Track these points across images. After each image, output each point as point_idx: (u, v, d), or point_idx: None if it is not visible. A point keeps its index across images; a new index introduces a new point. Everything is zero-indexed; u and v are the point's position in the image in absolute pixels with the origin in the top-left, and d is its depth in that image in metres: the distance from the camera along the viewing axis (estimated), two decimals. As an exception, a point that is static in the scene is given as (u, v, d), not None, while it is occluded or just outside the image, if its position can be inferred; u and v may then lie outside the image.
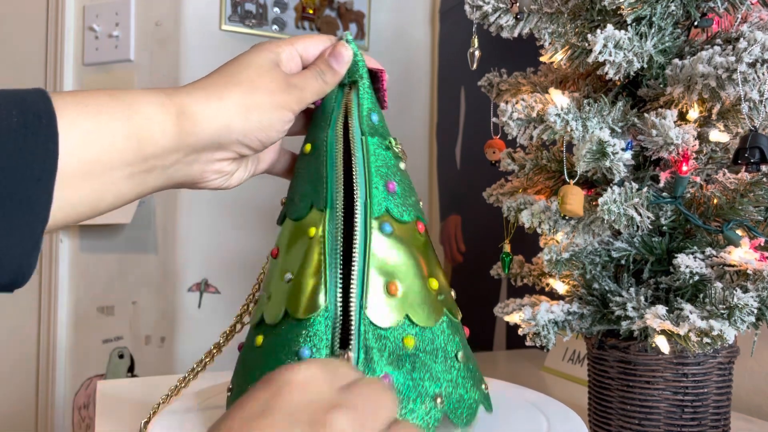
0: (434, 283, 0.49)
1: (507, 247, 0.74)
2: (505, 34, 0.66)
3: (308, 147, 0.52)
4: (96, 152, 0.38)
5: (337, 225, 0.45)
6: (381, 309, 0.44)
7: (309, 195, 0.49)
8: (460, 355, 0.48)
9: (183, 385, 0.54)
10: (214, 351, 0.54)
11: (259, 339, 0.45)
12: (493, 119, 0.74)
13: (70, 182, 0.37)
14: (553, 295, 0.70)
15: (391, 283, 0.45)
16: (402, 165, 0.51)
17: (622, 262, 0.64)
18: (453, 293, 0.54)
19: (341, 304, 0.42)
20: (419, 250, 0.49)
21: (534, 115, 0.61)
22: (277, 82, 0.46)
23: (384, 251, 0.46)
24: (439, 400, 0.44)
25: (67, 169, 0.37)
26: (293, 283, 0.45)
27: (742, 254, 0.57)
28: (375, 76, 0.52)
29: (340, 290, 0.43)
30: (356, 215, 0.45)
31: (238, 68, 0.46)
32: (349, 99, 0.50)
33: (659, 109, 0.59)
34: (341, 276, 0.44)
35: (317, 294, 0.42)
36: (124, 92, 0.42)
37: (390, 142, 0.50)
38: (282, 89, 0.46)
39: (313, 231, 0.45)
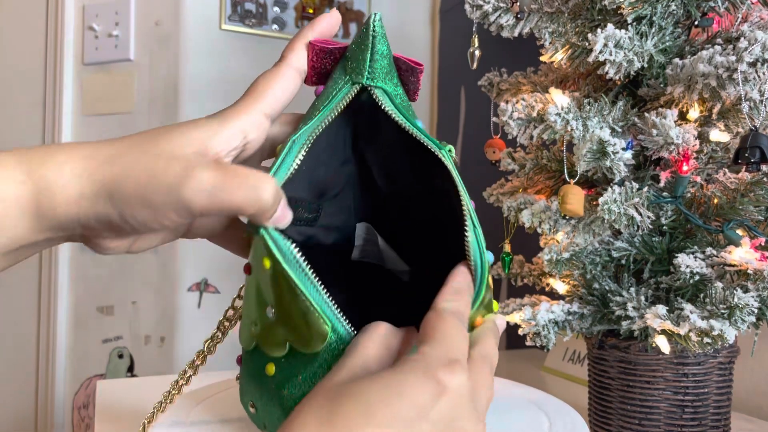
0: (497, 305, 0.43)
1: (507, 247, 0.74)
2: (505, 34, 0.66)
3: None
4: None
5: (289, 246, 0.34)
6: None
7: None
8: None
9: (169, 400, 0.49)
10: (198, 363, 0.47)
11: (270, 368, 0.37)
12: (494, 119, 0.74)
13: None
14: (554, 295, 0.70)
15: None
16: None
17: (623, 261, 0.64)
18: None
19: (348, 321, 0.34)
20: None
21: (534, 114, 0.61)
22: (185, 166, 0.31)
23: (488, 285, 0.38)
24: None
25: None
26: (279, 319, 0.36)
27: (742, 254, 0.57)
28: (409, 69, 0.40)
29: (336, 306, 0.34)
30: (469, 252, 0.36)
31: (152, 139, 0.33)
32: (385, 107, 0.37)
33: (660, 109, 0.59)
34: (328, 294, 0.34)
35: (315, 325, 0.34)
36: None
37: (450, 150, 0.40)
38: (178, 183, 0.31)
39: (267, 263, 0.35)
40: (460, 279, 0.36)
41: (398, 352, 0.34)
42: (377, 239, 0.46)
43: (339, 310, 0.34)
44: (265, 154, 0.41)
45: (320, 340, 0.34)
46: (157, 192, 0.31)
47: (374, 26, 0.37)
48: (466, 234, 0.36)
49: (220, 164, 0.32)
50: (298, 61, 0.38)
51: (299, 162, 0.35)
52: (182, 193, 0.31)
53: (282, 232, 0.36)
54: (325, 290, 0.34)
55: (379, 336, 0.34)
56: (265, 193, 0.32)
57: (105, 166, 0.32)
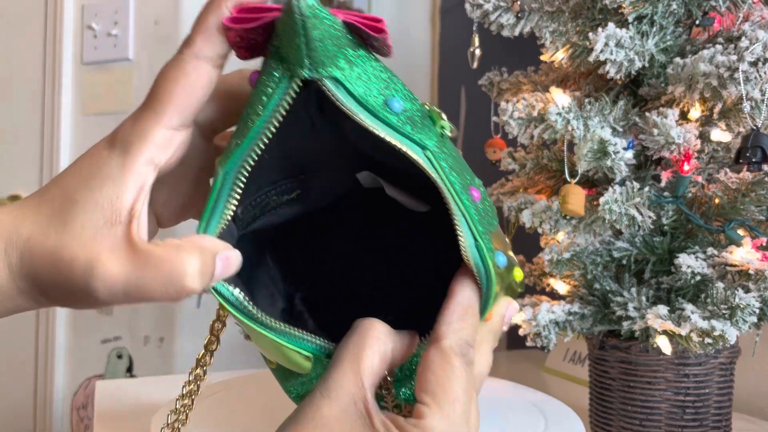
0: (519, 274, 0.36)
1: (507, 247, 0.74)
2: (505, 33, 0.65)
3: None
4: None
5: (241, 300, 0.31)
6: None
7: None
8: None
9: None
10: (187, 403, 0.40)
11: (271, 362, 0.36)
12: (494, 118, 0.73)
13: None
14: (554, 295, 0.70)
15: None
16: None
17: (624, 262, 0.64)
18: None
19: (326, 339, 0.32)
20: (506, 246, 0.36)
21: (535, 114, 0.60)
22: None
23: (501, 288, 0.33)
24: None
25: None
26: (259, 348, 0.34)
27: (743, 254, 0.56)
28: (368, 37, 0.29)
29: (298, 331, 0.32)
30: (471, 265, 0.31)
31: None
32: (343, 105, 0.29)
33: (661, 108, 0.59)
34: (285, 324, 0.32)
35: (292, 356, 0.32)
36: None
37: (442, 126, 0.31)
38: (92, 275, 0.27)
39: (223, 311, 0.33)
40: (465, 292, 0.31)
41: (392, 361, 0.30)
42: (384, 185, 0.40)
43: (305, 332, 0.31)
44: (209, 142, 0.34)
45: (302, 365, 0.32)
46: (71, 290, 0.28)
47: (299, 8, 0.27)
48: (460, 238, 0.30)
49: (130, 248, 0.28)
50: (212, 48, 0.29)
51: (236, 200, 0.30)
52: (93, 293, 0.27)
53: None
54: (279, 322, 0.31)
55: (369, 347, 0.29)
56: (186, 282, 0.27)
57: (24, 257, 0.28)
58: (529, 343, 0.64)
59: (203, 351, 0.38)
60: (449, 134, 0.32)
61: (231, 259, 0.30)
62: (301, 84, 0.28)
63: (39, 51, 1.57)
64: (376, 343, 0.29)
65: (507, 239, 0.36)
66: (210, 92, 0.30)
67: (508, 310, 0.33)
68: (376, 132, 0.29)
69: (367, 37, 0.29)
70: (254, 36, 0.29)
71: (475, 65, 0.72)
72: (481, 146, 0.76)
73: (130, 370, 1.49)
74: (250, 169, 0.29)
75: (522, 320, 0.64)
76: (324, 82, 0.28)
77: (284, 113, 0.29)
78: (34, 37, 1.57)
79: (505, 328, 0.34)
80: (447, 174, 0.30)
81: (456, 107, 1.60)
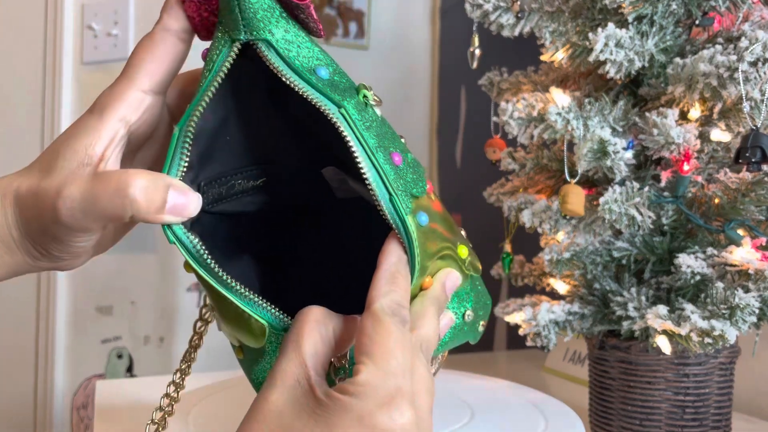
0: (463, 251, 0.38)
1: (507, 247, 0.74)
2: (505, 33, 0.65)
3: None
4: None
5: (197, 249, 0.33)
6: None
7: None
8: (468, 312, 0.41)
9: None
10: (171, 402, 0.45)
11: (239, 352, 0.37)
12: (494, 118, 0.73)
13: None
14: (554, 295, 0.70)
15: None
16: (379, 113, 0.35)
17: (623, 261, 0.64)
18: (464, 233, 0.43)
19: (282, 312, 0.33)
20: (442, 220, 0.36)
21: (535, 114, 0.60)
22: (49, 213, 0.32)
23: (425, 250, 0.33)
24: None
25: None
26: (221, 319, 0.35)
27: (743, 254, 0.56)
28: (294, 7, 0.33)
29: (260, 296, 0.33)
30: (391, 223, 0.32)
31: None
32: (272, 64, 0.32)
33: (660, 108, 0.59)
34: (247, 287, 0.33)
35: (249, 323, 0.33)
36: None
37: (365, 95, 0.34)
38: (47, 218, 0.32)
39: (187, 267, 0.34)
40: (391, 258, 0.32)
41: (338, 342, 0.31)
42: (347, 179, 0.41)
43: (264, 299, 0.32)
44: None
45: (260, 335, 0.33)
46: (44, 219, 0.32)
47: None
48: (378, 205, 0.32)
49: (94, 174, 0.32)
50: (174, 21, 0.33)
51: (185, 164, 0.32)
52: (57, 213, 0.31)
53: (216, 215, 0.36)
54: (241, 283, 0.32)
55: (309, 332, 0.30)
56: (133, 192, 0.30)
57: (16, 205, 0.33)
58: (529, 343, 0.64)
59: (187, 347, 0.42)
60: (372, 103, 0.34)
61: (188, 197, 0.32)
62: (240, 47, 0.32)
63: (39, 50, 1.57)
64: (315, 326, 0.30)
65: (450, 219, 0.38)
66: (178, 65, 0.34)
67: (448, 278, 0.35)
68: (297, 88, 0.32)
69: (288, 5, 0.32)
70: (207, 15, 0.34)
71: (475, 65, 0.72)
72: (481, 146, 0.76)
73: (130, 370, 1.49)
74: (196, 122, 0.32)
75: (522, 320, 0.64)
76: (258, 45, 0.32)
77: (226, 72, 0.32)
78: (34, 37, 1.57)
79: (449, 294, 0.35)
80: (360, 131, 0.32)
81: (456, 107, 1.60)
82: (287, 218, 0.44)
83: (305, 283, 0.44)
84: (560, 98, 0.60)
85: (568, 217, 0.63)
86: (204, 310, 0.42)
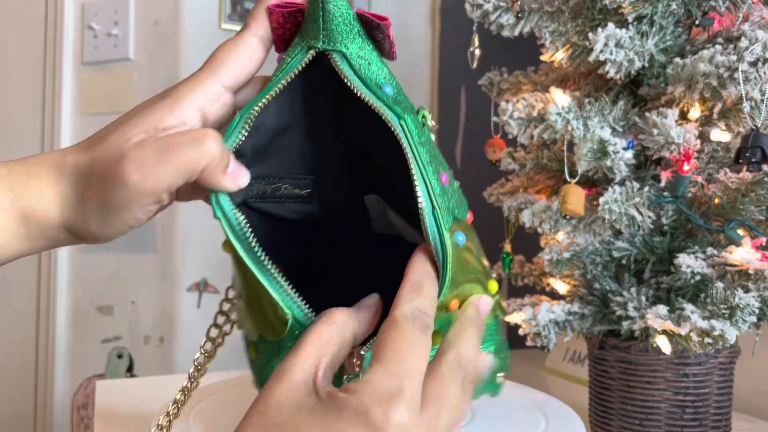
0: (494, 286, 0.39)
1: (507, 247, 0.74)
2: (505, 33, 0.65)
3: None
4: None
5: (242, 227, 0.33)
6: None
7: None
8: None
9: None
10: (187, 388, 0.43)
11: (252, 352, 0.37)
12: (494, 118, 0.73)
13: None
14: (554, 295, 0.70)
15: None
16: (433, 137, 0.38)
17: (623, 261, 0.64)
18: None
19: (309, 308, 0.33)
20: (477, 251, 0.37)
21: (535, 114, 0.60)
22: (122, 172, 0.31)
23: (457, 268, 0.34)
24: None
25: None
26: (245, 305, 0.36)
27: (743, 254, 0.56)
28: (374, 26, 0.36)
29: (292, 288, 0.33)
30: (428, 234, 0.33)
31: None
32: (343, 73, 0.34)
33: (660, 108, 0.59)
34: (282, 276, 0.33)
35: (274, 311, 0.33)
36: None
37: (424, 115, 0.36)
38: (122, 178, 0.31)
39: (225, 247, 0.34)
40: (418, 269, 0.32)
41: (360, 337, 0.31)
42: (387, 211, 0.43)
43: (295, 290, 0.33)
44: None
45: (282, 326, 0.33)
46: (109, 192, 0.32)
47: None
48: (421, 214, 0.32)
49: (165, 135, 0.32)
50: (261, 28, 0.35)
51: (242, 137, 0.34)
52: (127, 178, 0.31)
53: (262, 209, 0.37)
54: (279, 271, 0.33)
55: (326, 333, 0.30)
56: (209, 143, 0.31)
57: (74, 183, 0.33)
58: (529, 343, 0.64)
59: (198, 354, 0.41)
60: (430, 124, 0.36)
61: (240, 168, 0.33)
62: (314, 54, 0.34)
63: (39, 50, 1.57)
64: (333, 328, 0.30)
65: (484, 256, 0.38)
66: (256, 68, 0.36)
67: (480, 302, 0.35)
68: (364, 96, 0.34)
69: (369, 24, 0.35)
70: (288, 26, 0.36)
71: (475, 65, 0.72)
72: (481, 146, 0.76)
73: (130, 370, 1.49)
74: (257, 112, 0.34)
75: (522, 320, 0.64)
76: (333, 54, 0.34)
77: (296, 73, 0.34)
78: (34, 37, 1.57)
79: (483, 318, 0.35)
80: (416, 144, 0.33)
81: (456, 107, 1.60)
82: (323, 232, 0.45)
83: (331, 297, 0.44)
84: (560, 98, 0.60)
85: (568, 217, 0.63)
86: (220, 317, 0.41)
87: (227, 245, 0.33)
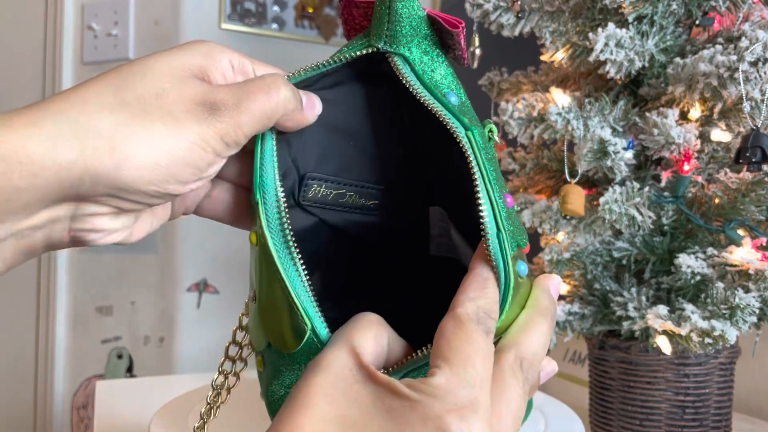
0: None
1: (507, 247, 0.74)
2: (505, 33, 0.65)
3: None
4: None
5: (281, 216, 0.31)
6: None
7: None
8: None
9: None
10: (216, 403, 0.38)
11: (259, 363, 0.34)
12: (494, 118, 0.73)
13: None
14: (554, 295, 0.70)
15: None
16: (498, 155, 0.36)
17: (624, 262, 0.64)
18: None
19: (326, 321, 0.30)
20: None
21: (535, 114, 0.60)
22: (189, 100, 0.28)
23: (516, 299, 0.30)
24: None
25: None
26: (259, 308, 0.32)
27: (743, 254, 0.56)
28: (444, 31, 0.32)
29: (315, 300, 0.30)
30: (491, 256, 0.29)
31: (127, 76, 0.28)
32: (405, 78, 0.32)
33: (661, 108, 0.59)
34: (310, 283, 0.30)
35: (292, 320, 0.30)
36: None
37: (491, 129, 0.33)
38: (197, 113, 0.28)
39: (253, 237, 0.31)
40: (485, 268, 0.29)
41: (388, 359, 0.28)
42: (450, 228, 0.39)
43: (318, 302, 0.29)
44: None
45: (297, 339, 0.29)
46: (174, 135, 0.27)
47: None
48: (485, 237, 0.29)
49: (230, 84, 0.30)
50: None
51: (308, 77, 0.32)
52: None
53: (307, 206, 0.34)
54: (308, 277, 0.29)
55: (365, 320, 0.28)
56: (283, 90, 0.30)
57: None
58: (529, 343, 0.64)
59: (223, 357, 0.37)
60: (497, 139, 0.33)
61: (313, 96, 0.32)
62: (374, 51, 0.32)
63: (39, 51, 1.57)
64: (371, 325, 0.28)
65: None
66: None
67: (552, 282, 0.32)
68: (427, 103, 0.31)
69: (440, 29, 0.32)
70: (359, 18, 0.34)
71: (475, 65, 0.72)
72: (481, 146, 0.76)
73: (130, 370, 1.49)
74: (300, 82, 0.32)
75: (522, 320, 0.64)
76: (394, 57, 0.32)
77: (348, 58, 0.32)
78: (34, 36, 1.57)
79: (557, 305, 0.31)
80: (483, 159, 0.30)
81: (456, 107, 1.60)
82: (372, 247, 0.41)
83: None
84: (560, 98, 0.60)
85: (568, 217, 0.63)
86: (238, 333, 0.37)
87: (256, 236, 0.30)
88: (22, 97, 1.58)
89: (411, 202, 0.40)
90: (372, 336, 0.28)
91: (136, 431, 0.68)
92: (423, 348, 0.29)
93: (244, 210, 0.35)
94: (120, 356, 1.50)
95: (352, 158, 0.36)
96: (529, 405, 0.36)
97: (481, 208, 0.29)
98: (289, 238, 0.30)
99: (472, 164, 0.30)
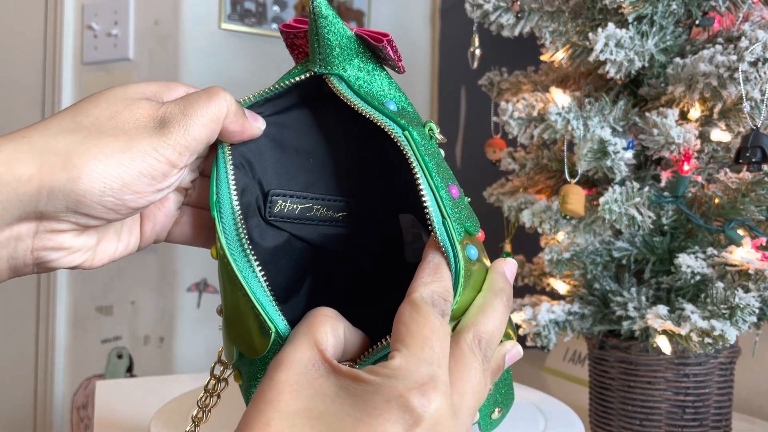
0: None
1: (507, 247, 0.74)
2: (505, 33, 0.65)
3: None
4: None
5: (237, 227, 0.33)
6: None
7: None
8: None
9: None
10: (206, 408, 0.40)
11: (237, 377, 0.35)
12: (494, 118, 0.73)
13: None
14: (554, 295, 0.70)
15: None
16: (442, 152, 0.37)
17: (624, 261, 0.64)
18: None
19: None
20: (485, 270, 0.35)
21: (535, 114, 0.60)
22: (140, 117, 0.30)
23: (469, 283, 0.32)
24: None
25: None
26: (226, 319, 0.33)
27: (743, 254, 0.56)
28: (373, 46, 0.35)
29: (273, 300, 0.32)
30: (440, 243, 0.31)
31: (85, 104, 0.31)
32: (342, 95, 0.34)
33: (660, 108, 0.59)
34: (267, 283, 0.32)
35: (256, 326, 0.31)
36: None
37: (431, 128, 0.35)
38: (149, 127, 0.30)
39: (213, 252, 0.33)
40: (437, 254, 0.30)
41: (345, 349, 0.30)
42: (422, 233, 0.40)
43: (276, 302, 0.31)
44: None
45: (264, 342, 0.31)
46: (136, 140, 0.30)
47: (313, 8, 0.33)
48: (428, 212, 0.31)
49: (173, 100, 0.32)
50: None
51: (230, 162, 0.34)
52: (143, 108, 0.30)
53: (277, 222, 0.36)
54: (266, 280, 0.31)
55: (321, 315, 0.29)
56: (222, 93, 0.32)
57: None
58: (529, 343, 0.64)
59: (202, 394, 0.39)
60: (438, 137, 0.35)
61: (257, 115, 0.34)
62: (311, 75, 0.35)
63: (39, 51, 1.57)
64: (327, 320, 0.29)
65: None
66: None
67: (507, 266, 0.33)
68: (364, 112, 0.33)
69: (368, 45, 0.35)
70: (302, 43, 0.37)
71: (475, 65, 0.72)
72: (481, 146, 0.76)
73: (130, 370, 1.49)
74: (249, 103, 0.35)
75: (522, 320, 0.64)
76: (330, 77, 0.34)
77: (287, 84, 0.35)
78: (34, 37, 1.57)
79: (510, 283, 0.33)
80: (422, 155, 0.32)
81: (456, 107, 1.60)
82: (339, 255, 0.42)
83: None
84: (560, 98, 0.60)
85: (568, 217, 0.63)
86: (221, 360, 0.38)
87: (216, 249, 0.32)
88: (22, 97, 1.58)
89: (377, 210, 0.42)
90: (330, 330, 0.29)
91: (136, 431, 0.68)
92: (384, 338, 0.30)
93: (212, 232, 0.36)
94: (120, 356, 1.50)
95: (314, 175, 0.38)
96: (510, 397, 0.38)
97: (424, 198, 0.32)
98: (245, 246, 0.32)
99: (411, 160, 0.32)
